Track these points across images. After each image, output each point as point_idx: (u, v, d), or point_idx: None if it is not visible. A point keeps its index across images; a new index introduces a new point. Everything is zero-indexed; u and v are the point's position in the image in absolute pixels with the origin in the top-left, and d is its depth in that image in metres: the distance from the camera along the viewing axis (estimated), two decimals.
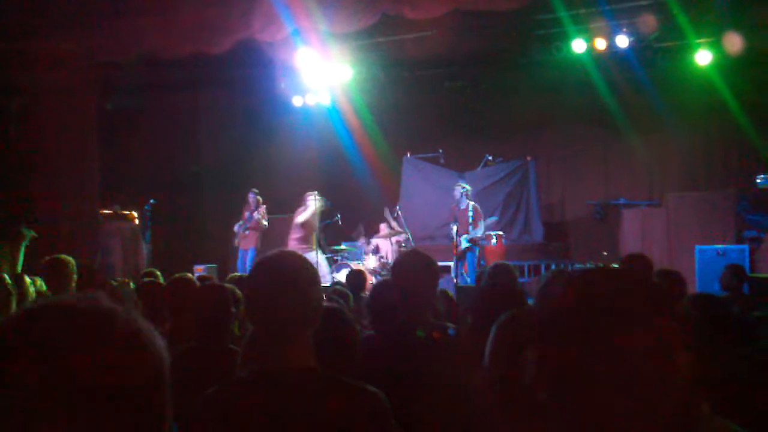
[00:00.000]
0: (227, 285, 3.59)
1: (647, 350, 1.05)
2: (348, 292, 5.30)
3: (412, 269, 3.01)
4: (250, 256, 10.83)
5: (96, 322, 0.93)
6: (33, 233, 5.50)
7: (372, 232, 12.02)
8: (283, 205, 12.60)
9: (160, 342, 0.98)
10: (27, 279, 4.48)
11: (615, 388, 1.04)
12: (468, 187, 10.69)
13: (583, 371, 1.06)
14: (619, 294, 1.10)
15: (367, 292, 7.26)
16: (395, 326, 3.01)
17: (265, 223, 11.10)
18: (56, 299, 0.98)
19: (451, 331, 2.98)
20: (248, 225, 11.02)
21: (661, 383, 1.05)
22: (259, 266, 2.06)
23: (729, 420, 1.74)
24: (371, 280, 9.88)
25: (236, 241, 11.20)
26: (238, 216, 11.97)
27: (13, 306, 4.09)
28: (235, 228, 11.14)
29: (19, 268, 5.67)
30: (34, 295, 4.46)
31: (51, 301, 0.98)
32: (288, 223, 12.63)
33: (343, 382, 1.98)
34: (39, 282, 4.73)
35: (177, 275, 4.28)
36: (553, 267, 10.92)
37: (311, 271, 2.03)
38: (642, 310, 1.09)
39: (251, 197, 11.15)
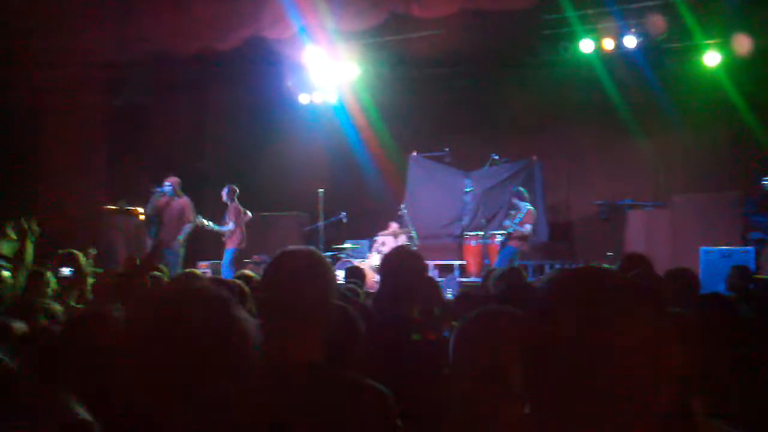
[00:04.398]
0: (236, 281, 3.61)
1: (638, 348, 1.04)
2: (359, 289, 5.32)
3: (397, 266, 3.02)
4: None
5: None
6: (37, 227, 5.51)
7: (380, 229, 12.03)
8: (289, 203, 12.63)
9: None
10: (47, 274, 4.49)
11: (606, 387, 1.03)
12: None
13: (572, 371, 1.05)
14: (607, 293, 1.09)
15: (368, 289, 7.28)
16: (381, 321, 3.01)
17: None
18: (177, 287, 1.28)
19: (446, 333, 2.96)
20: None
21: (654, 382, 1.04)
22: (280, 261, 2.05)
23: (731, 420, 1.74)
24: (373, 277, 9.88)
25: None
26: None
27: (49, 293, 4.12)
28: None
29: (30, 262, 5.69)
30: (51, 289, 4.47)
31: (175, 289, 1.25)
32: (293, 221, 12.67)
33: (349, 378, 1.98)
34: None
35: (184, 271, 4.31)
36: (557, 267, 10.86)
37: (330, 270, 2.05)
38: (631, 308, 1.07)
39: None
